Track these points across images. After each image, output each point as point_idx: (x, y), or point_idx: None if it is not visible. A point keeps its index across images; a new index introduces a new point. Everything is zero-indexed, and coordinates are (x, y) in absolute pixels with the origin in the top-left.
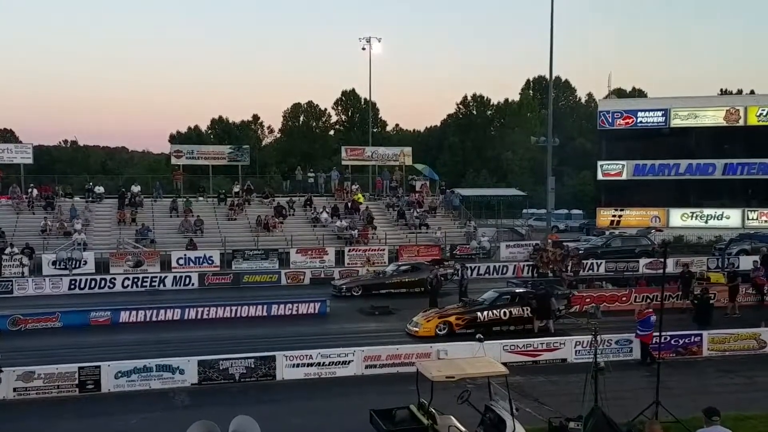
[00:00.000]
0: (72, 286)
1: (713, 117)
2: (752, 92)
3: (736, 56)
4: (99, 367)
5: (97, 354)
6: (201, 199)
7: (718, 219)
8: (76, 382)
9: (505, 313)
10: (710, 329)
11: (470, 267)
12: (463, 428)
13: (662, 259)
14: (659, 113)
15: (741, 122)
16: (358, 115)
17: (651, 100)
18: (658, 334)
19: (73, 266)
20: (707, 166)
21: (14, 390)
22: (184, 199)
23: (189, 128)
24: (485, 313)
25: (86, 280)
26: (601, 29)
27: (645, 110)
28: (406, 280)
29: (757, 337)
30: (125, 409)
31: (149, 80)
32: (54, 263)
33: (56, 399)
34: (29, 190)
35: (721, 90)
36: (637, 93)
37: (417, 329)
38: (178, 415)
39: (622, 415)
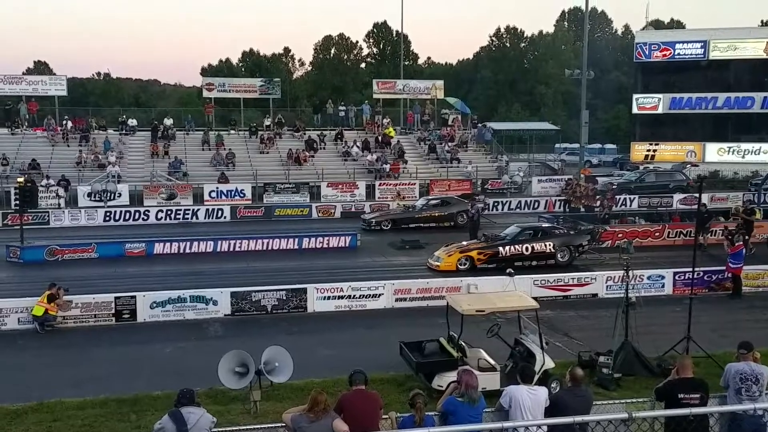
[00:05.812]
0: (107, 218)
1: (753, 49)
2: None
3: None
4: (135, 297)
5: (132, 285)
6: (233, 132)
7: (755, 154)
8: (113, 311)
9: (527, 248)
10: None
11: (501, 201)
12: (492, 361)
13: (697, 195)
14: (698, 45)
15: None
16: (390, 47)
17: (689, 31)
18: (691, 270)
19: (108, 198)
20: (746, 99)
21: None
22: (215, 133)
23: (220, 61)
24: (507, 248)
25: (121, 212)
26: None
27: (683, 42)
28: (436, 214)
29: None
30: (160, 338)
31: (180, 11)
32: (89, 195)
33: (93, 328)
34: (64, 122)
35: (762, 21)
36: (675, 24)
37: (438, 263)
38: (212, 345)
39: (652, 350)
